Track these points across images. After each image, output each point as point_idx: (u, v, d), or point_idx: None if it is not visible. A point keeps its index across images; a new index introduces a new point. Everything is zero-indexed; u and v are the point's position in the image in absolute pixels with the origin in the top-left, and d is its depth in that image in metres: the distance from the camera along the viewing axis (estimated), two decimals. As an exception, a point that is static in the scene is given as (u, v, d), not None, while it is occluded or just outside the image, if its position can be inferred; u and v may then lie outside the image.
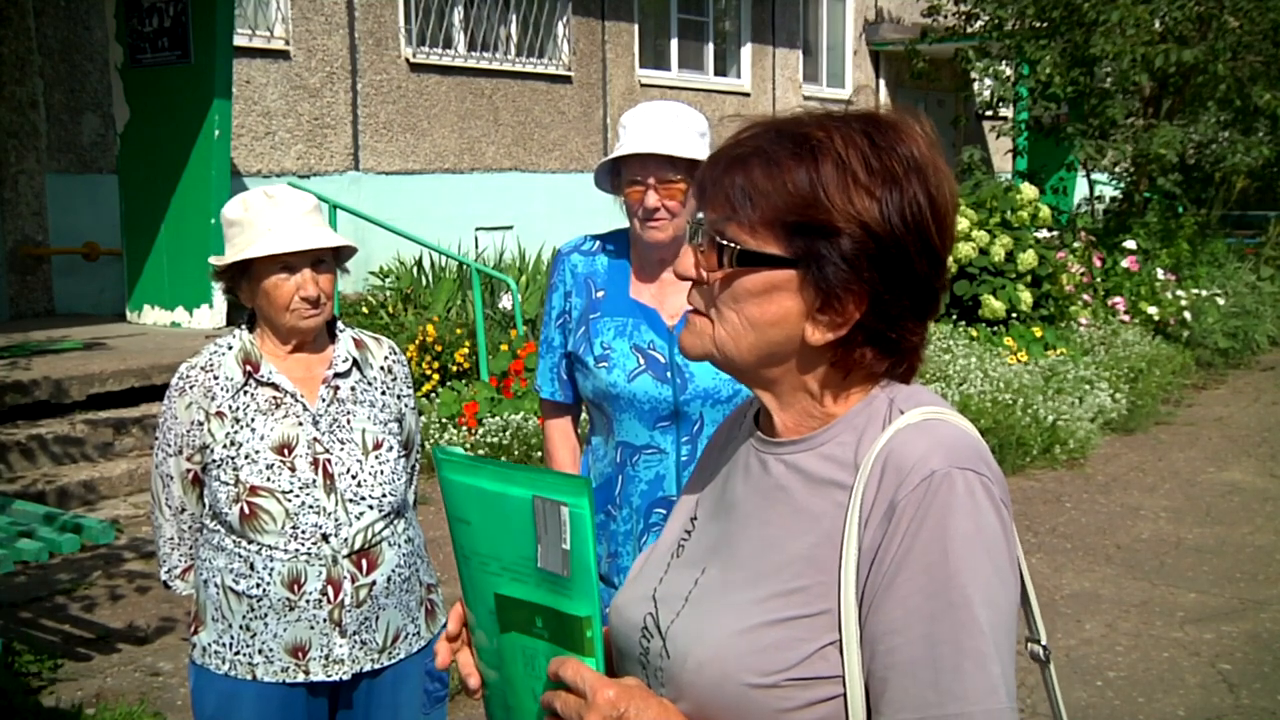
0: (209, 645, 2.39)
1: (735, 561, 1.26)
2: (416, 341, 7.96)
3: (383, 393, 2.49)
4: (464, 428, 7.24)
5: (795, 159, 1.20)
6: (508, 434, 7.02)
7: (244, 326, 2.45)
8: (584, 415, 2.77)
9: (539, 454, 6.88)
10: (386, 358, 2.54)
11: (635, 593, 1.34)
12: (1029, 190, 9.91)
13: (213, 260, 2.40)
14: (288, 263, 2.33)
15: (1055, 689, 1.40)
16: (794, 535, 1.22)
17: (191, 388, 2.37)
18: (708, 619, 1.24)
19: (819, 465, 1.24)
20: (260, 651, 2.34)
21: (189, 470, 2.39)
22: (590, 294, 2.59)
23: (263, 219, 2.32)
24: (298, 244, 2.30)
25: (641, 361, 2.49)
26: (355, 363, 2.47)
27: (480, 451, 6.93)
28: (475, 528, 1.20)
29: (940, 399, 1.27)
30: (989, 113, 13.74)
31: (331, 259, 2.42)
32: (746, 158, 1.21)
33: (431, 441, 7.05)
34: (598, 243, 2.65)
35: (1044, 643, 1.35)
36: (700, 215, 1.25)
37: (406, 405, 2.56)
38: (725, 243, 1.21)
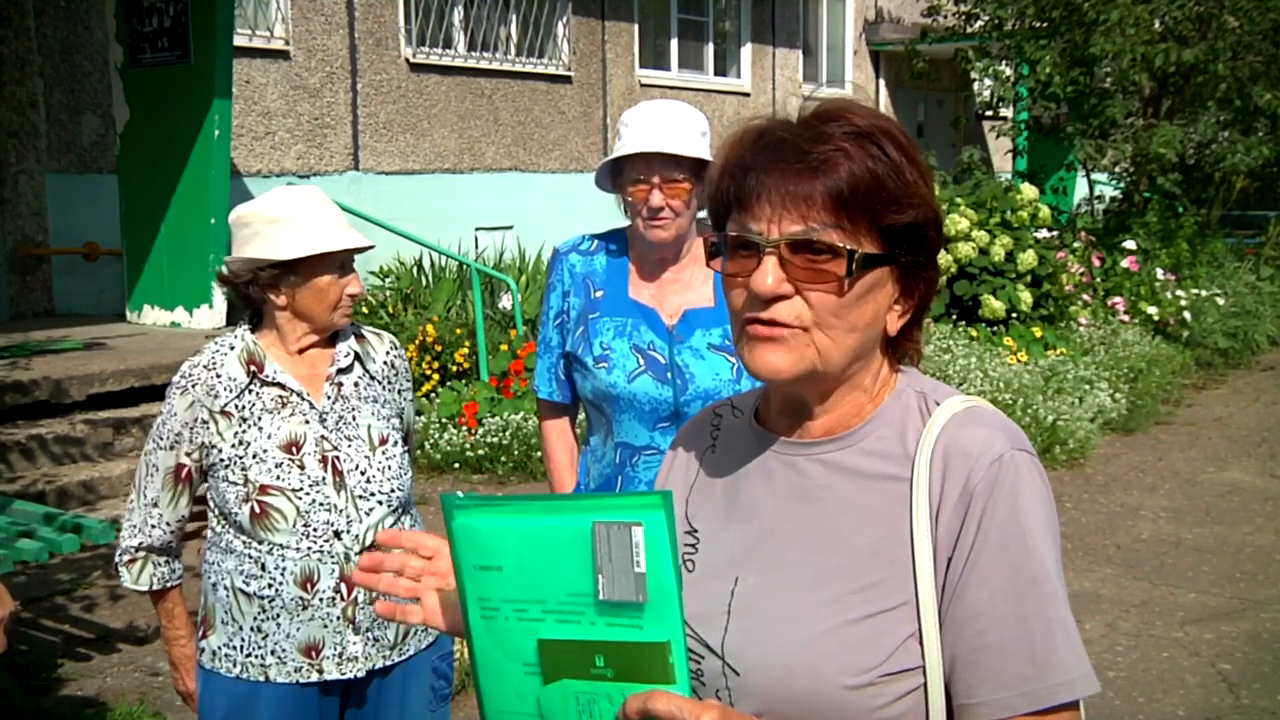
0: (219, 649, 2.38)
1: (780, 565, 1.25)
2: (416, 341, 7.96)
3: (384, 388, 2.49)
4: (464, 428, 7.24)
5: (871, 157, 1.19)
6: (507, 434, 7.01)
7: (246, 326, 2.43)
8: (580, 415, 2.76)
9: (539, 454, 6.87)
10: (388, 353, 2.53)
11: None
12: (1029, 190, 9.91)
13: (267, 255, 2.29)
14: (343, 261, 2.35)
15: None
16: (852, 533, 1.22)
17: (194, 386, 2.36)
18: (773, 627, 1.22)
19: (864, 461, 1.25)
20: (273, 652, 2.33)
21: (183, 466, 2.37)
22: (589, 294, 2.58)
23: (315, 215, 2.31)
24: (358, 240, 2.33)
25: (641, 362, 2.48)
26: (358, 357, 2.47)
27: (480, 452, 6.93)
28: (509, 572, 1.09)
29: (957, 390, 1.30)
30: (989, 113, 13.74)
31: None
32: (829, 161, 1.18)
33: (430, 443, 7.04)
34: (596, 242, 2.64)
35: None
36: (786, 229, 1.19)
37: (406, 400, 2.57)
38: (838, 251, 1.18)
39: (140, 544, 2.42)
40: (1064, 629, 1.15)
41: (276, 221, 2.30)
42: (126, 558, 2.44)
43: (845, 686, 1.17)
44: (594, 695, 1.08)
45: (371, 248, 2.43)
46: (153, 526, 2.41)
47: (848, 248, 1.18)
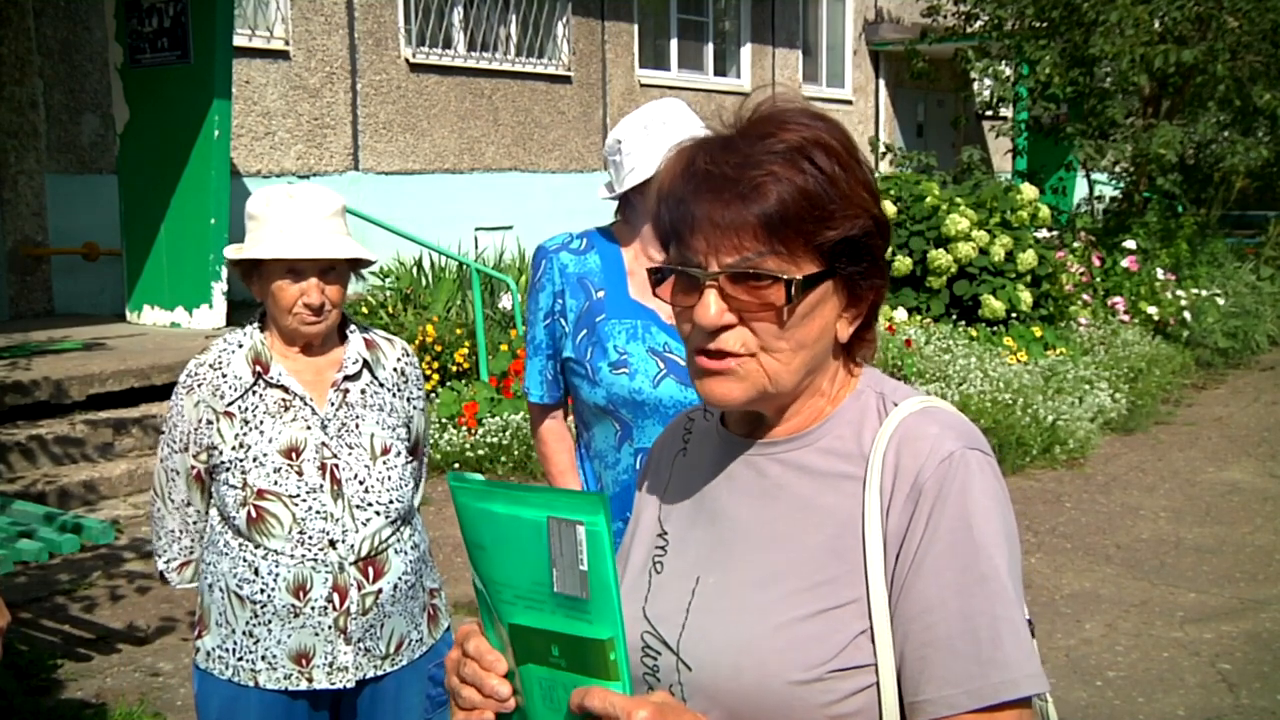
0: (213, 650, 2.37)
1: (739, 564, 1.26)
2: (416, 341, 7.96)
3: (393, 395, 2.45)
4: (464, 428, 7.25)
5: (802, 173, 1.19)
6: (507, 434, 7.02)
7: (255, 324, 2.42)
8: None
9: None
10: (399, 360, 2.50)
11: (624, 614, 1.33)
12: (1029, 190, 9.91)
13: (225, 252, 2.39)
14: (295, 267, 2.29)
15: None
16: (807, 530, 1.23)
17: (200, 385, 2.35)
18: (727, 624, 1.23)
19: (821, 460, 1.26)
20: (263, 658, 2.32)
21: (194, 468, 2.37)
22: (589, 294, 2.49)
23: (278, 218, 2.29)
24: (304, 251, 2.27)
25: (662, 366, 2.41)
26: (366, 364, 2.43)
27: (480, 452, 6.93)
28: (489, 553, 1.14)
29: (919, 390, 1.31)
30: (989, 113, 13.75)
31: (345, 267, 2.37)
32: (758, 188, 1.18)
33: (430, 443, 7.04)
34: (585, 240, 2.55)
35: (1028, 617, 1.38)
36: (723, 260, 1.19)
37: (416, 408, 2.52)
38: (776, 279, 1.18)
39: (187, 545, 2.45)
40: (1011, 627, 1.15)
41: (252, 219, 2.33)
42: (177, 562, 2.46)
43: (792, 682, 1.17)
44: (552, 683, 1.12)
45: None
46: (192, 523, 2.43)
47: (785, 276, 1.18)
